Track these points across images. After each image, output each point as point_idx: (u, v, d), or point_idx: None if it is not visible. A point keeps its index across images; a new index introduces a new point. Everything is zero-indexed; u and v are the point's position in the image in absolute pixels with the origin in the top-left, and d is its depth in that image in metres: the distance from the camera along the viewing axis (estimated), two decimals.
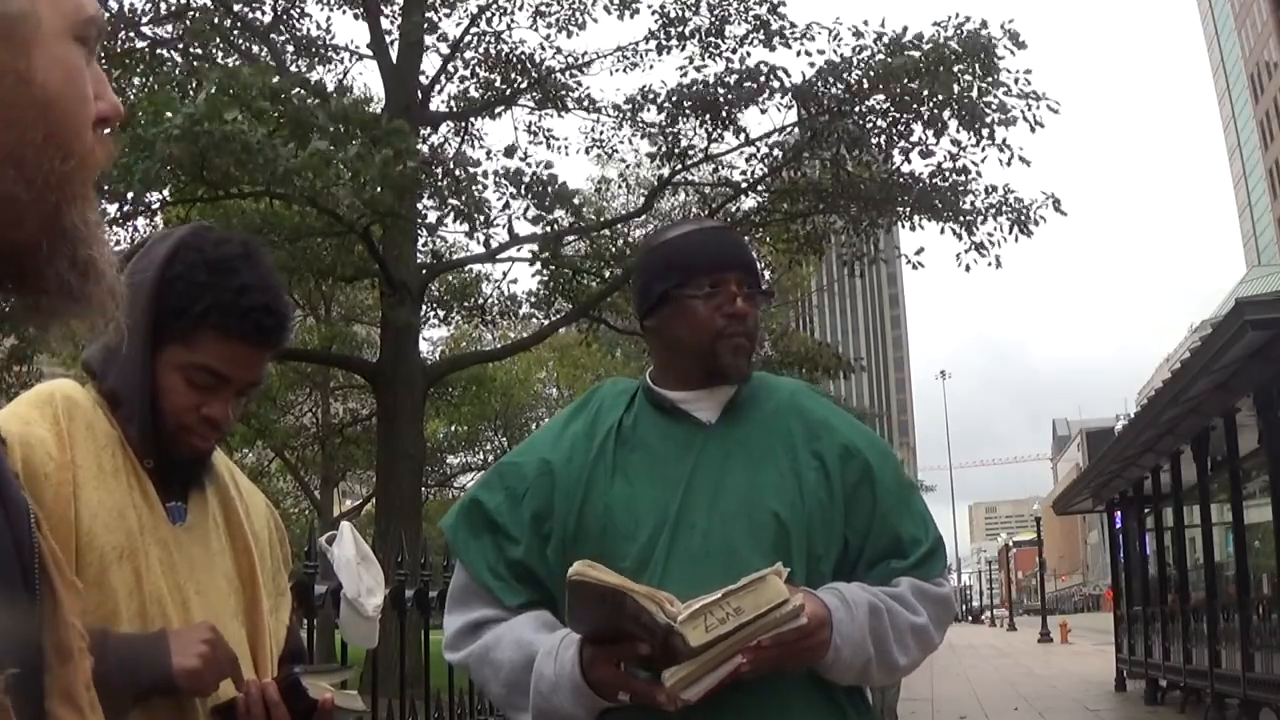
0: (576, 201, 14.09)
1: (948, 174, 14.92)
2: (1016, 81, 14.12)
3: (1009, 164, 14.51)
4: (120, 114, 0.86)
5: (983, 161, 14.61)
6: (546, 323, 17.81)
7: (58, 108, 0.80)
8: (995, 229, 15.04)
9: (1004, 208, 14.96)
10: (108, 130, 0.86)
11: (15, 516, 0.85)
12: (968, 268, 15.15)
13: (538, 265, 15.42)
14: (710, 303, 1.85)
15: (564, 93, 16.72)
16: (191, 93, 11.44)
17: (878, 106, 14.47)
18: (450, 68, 16.61)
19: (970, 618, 70.23)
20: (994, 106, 14.02)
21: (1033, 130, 14.31)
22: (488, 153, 16.45)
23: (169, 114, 9.77)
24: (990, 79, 13.88)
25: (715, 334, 1.85)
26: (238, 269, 1.61)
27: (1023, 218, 14.94)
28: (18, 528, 0.84)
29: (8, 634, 0.79)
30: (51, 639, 0.86)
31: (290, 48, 16.45)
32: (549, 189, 13.17)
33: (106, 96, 0.85)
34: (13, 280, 0.82)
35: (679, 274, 1.87)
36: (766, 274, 20.96)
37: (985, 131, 14.18)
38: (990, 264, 15.19)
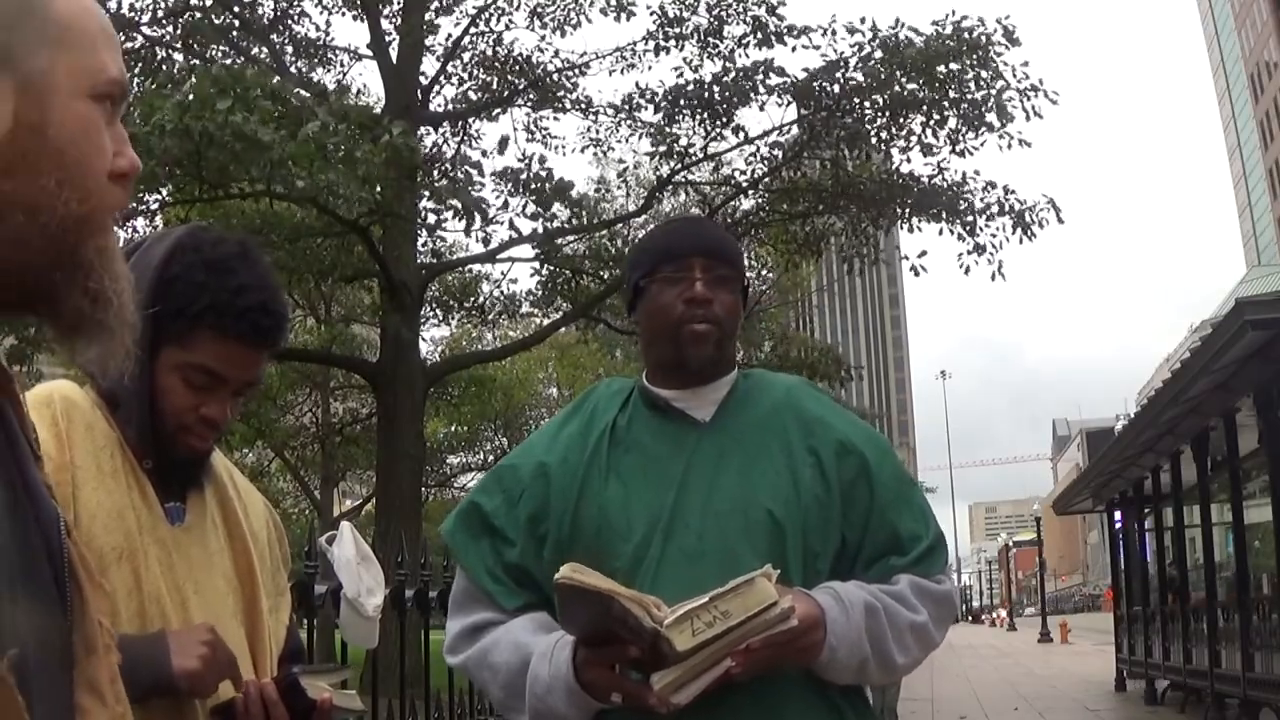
0: (574, 194, 14.05)
1: (947, 176, 14.89)
2: (1015, 74, 14.10)
3: (1009, 148, 14.41)
4: (139, 169, 0.94)
5: (981, 145, 14.51)
6: (546, 323, 17.78)
7: (71, 156, 0.87)
8: (997, 230, 14.92)
9: (1005, 209, 14.88)
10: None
11: (47, 525, 0.93)
12: (968, 270, 15.07)
13: (537, 265, 15.40)
14: (673, 289, 1.83)
15: (561, 94, 16.71)
16: (188, 85, 11.37)
17: (876, 105, 14.45)
18: (449, 69, 16.62)
19: (970, 618, 70.16)
20: (991, 99, 13.98)
21: (1028, 119, 14.28)
22: (484, 152, 16.43)
23: (159, 108, 9.67)
24: (990, 72, 13.83)
25: (677, 320, 1.83)
26: (235, 269, 1.61)
27: (1024, 219, 14.86)
28: (50, 535, 0.92)
29: (36, 630, 0.86)
30: (80, 636, 0.93)
31: (290, 48, 16.44)
32: (546, 185, 13.15)
33: (127, 154, 0.92)
34: (37, 307, 0.90)
35: (646, 265, 1.87)
36: (767, 275, 20.95)
37: (984, 125, 14.16)
38: (993, 270, 15.02)
